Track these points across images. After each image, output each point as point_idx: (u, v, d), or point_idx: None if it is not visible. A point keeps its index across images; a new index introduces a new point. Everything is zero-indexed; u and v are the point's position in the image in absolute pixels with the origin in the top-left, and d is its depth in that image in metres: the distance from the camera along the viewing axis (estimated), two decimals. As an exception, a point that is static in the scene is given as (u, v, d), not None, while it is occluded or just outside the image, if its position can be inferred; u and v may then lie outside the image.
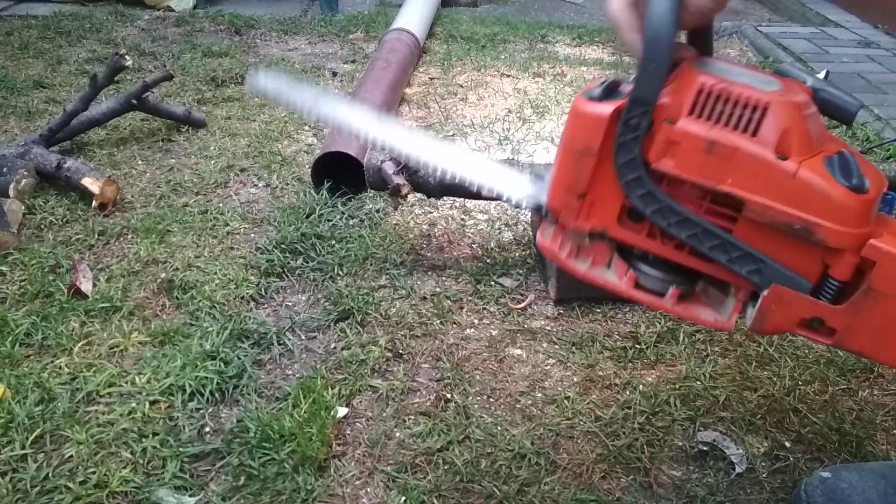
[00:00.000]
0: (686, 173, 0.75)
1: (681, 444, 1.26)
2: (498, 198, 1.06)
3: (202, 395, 1.31)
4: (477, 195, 1.71)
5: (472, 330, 1.54)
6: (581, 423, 1.30)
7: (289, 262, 1.71)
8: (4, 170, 1.89)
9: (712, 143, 0.73)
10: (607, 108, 0.76)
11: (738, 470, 1.21)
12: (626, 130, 0.75)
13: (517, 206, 1.03)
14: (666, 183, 0.78)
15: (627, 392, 1.37)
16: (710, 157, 0.73)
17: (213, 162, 2.20)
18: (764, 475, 1.21)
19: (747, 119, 0.73)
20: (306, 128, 2.50)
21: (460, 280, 1.70)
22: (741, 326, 1.54)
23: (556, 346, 1.49)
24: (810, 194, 0.72)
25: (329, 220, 1.88)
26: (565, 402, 1.34)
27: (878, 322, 0.76)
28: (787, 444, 1.27)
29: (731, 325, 0.85)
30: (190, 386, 1.31)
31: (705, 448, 1.25)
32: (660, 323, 1.55)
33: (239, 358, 1.40)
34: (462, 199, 1.96)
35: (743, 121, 0.73)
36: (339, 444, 1.24)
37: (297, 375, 1.39)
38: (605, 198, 0.81)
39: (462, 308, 1.60)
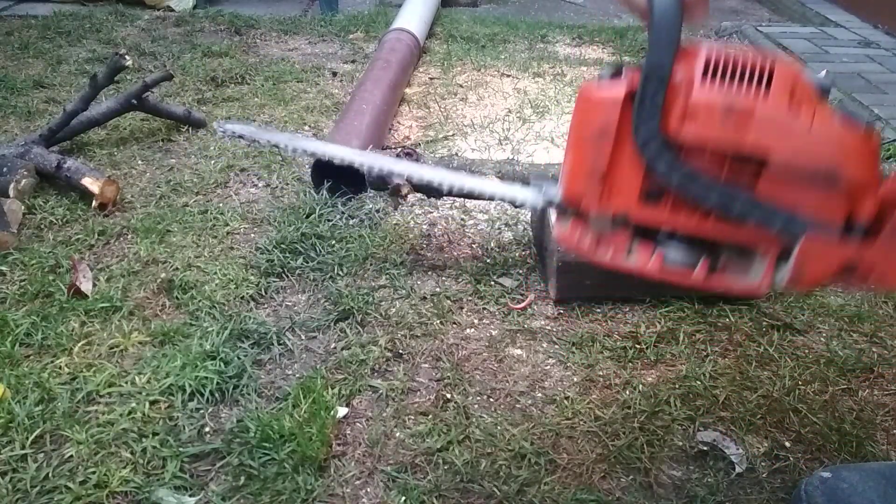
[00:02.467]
0: (708, 138, 0.77)
1: (681, 444, 1.26)
2: (511, 202, 1.10)
3: (202, 395, 1.31)
4: (477, 195, 1.71)
5: (472, 330, 1.54)
6: (581, 423, 1.30)
7: (289, 262, 1.71)
8: (4, 170, 1.89)
9: (729, 107, 0.76)
10: (620, 89, 0.79)
11: (738, 470, 1.21)
12: (644, 102, 0.77)
13: (532, 207, 1.05)
14: (684, 155, 0.80)
15: (627, 392, 1.37)
16: (729, 120, 0.76)
17: (213, 162, 2.20)
18: (764, 475, 1.21)
19: (757, 81, 0.76)
20: (306, 127, 2.50)
21: (460, 280, 1.70)
22: (742, 327, 1.54)
23: (556, 346, 1.49)
24: (829, 142, 0.76)
25: (329, 220, 1.88)
26: (565, 402, 1.34)
27: None
28: (787, 444, 1.27)
29: (766, 288, 0.86)
30: (190, 386, 1.31)
31: (705, 448, 1.25)
32: (660, 323, 1.55)
33: (239, 358, 1.40)
34: (462, 199, 1.96)
35: (754, 83, 0.76)
36: (339, 444, 1.24)
37: (297, 375, 1.39)
38: (624, 181, 0.83)
39: (462, 308, 1.60)
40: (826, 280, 0.83)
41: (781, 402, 1.35)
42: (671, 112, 0.78)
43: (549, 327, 1.55)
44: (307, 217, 1.88)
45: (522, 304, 1.61)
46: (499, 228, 1.92)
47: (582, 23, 4.13)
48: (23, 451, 1.18)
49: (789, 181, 0.78)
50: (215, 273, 1.65)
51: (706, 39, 0.87)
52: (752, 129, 0.76)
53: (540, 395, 1.37)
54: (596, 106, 0.81)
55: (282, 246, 1.75)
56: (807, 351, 1.50)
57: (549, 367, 1.44)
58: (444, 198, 1.87)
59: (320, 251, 1.76)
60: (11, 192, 1.86)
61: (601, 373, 1.42)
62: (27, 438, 1.20)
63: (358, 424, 1.29)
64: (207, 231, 1.83)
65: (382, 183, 1.71)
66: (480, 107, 2.77)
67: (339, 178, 2.00)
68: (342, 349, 1.46)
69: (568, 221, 0.90)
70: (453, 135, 2.50)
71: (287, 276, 1.68)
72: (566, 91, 2.93)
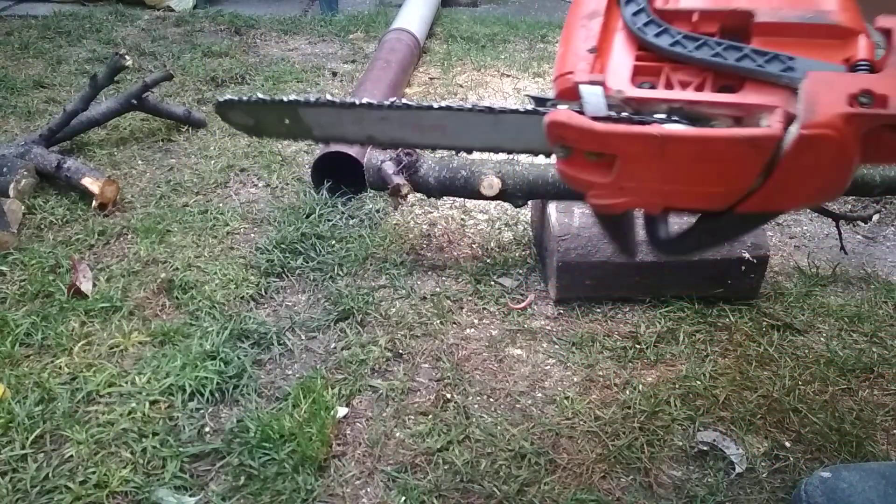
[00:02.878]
0: (693, 8, 0.77)
1: (681, 444, 1.26)
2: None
3: (202, 395, 1.31)
4: (477, 195, 1.71)
5: (472, 330, 1.54)
6: (581, 422, 1.30)
7: (289, 262, 1.71)
8: (4, 170, 1.89)
9: None
10: None
11: (738, 470, 1.21)
12: None
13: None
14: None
15: (627, 392, 1.37)
16: None
17: (213, 162, 2.20)
18: (764, 475, 1.21)
19: None
20: (306, 128, 2.50)
21: (460, 280, 1.70)
22: (742, 327, 1.54)
23: (556, 346, 1.49)
24: None
25: (329, 220, 1.88)
26: (565, 401, 1.34)
27: None
28: (787, 444, 1.27)
29: (781, 131, 0.75)
30: (190, 386, 1.31)
31: (705, 448, 1.25)
32: (660, 323, 1.55)
33: (239, 358, 1.40)
34: (462, 198, 1.96)
35: None
36: (339, 444, 1.24)
37: (297, 375, 1.39)
38: (615, 60, 0.80)
39: (462, 308, 1.60)
40: (841, 112, 0.72)
41: (781, 402, 1.35)
42: None
43: (549, 327, 1.55)
44: (307, 217, 1.88)
45: (522, 304, 1.61)
46: (499, 228, 1.92)
47: (582, 23, 4.13)
48: (23, 451, 1.18)
49: (780, 39, 0.76)
50: (215, 273, 1.65)
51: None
52: None
53: (540, 395, 1.37)
54: None
55: (282, 246, 1.75)
56: (807, 351, 1.50)
57: (549, 367, 1.44)
58: (444, 198, 1.87)
59: (320, 251, 1.76)
60: (11, 192, 1.86)
61: (601, 373, 1.42)
62: (27, 438, 1.20)
63: (358, 424, 1.29)
64: (207, 231, 1.83)
65: (382, 183, 1.71)
66: (480, 107, 2.77)
67: (339, 178, 2.00)
68: (342, 349, 1.46)
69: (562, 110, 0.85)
70: (453, 135, 2.50)
71: (287, 276, 1.68)
72: (566, 91, 2.93)
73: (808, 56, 0.75)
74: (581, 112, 0.78)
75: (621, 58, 0.79)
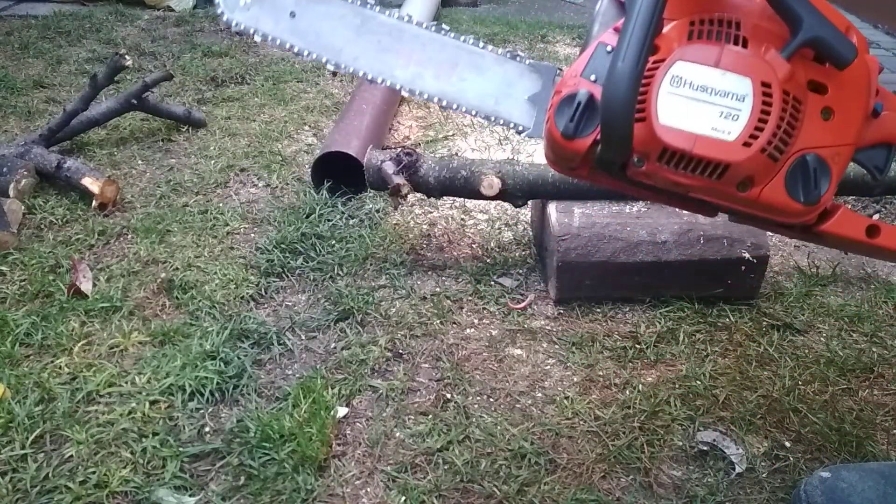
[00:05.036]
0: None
1: (681, 444, 1.26)
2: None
3: (202, 395, 1.31)
4: (477, 195, 1.71)
5: (472, 330, 1.54)
6: (581, 422, 1.30)
7: (289, 262, 1.71)
8: (4, 170, 1.89)
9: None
10: (582, 145, 0.84)
11: (738, 470, 1.21)
12: (602, 165, 0.86)
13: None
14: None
15: (627, 392, 1.37)
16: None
17: (213, 162, 2.20)
18: (764, 475, 1.21)
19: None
20: (306, 127, 2.50)
21: (460, 280, 1.70)
22: (742, 327, 1.54)
23: (556, 346, 1.49)
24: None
25: (329, 220, 1.88)
26: (565, 401, 1.34)
27: None
28: (787, 444, 1.27)
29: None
30: (190, 386, 1.31)
31: (705, 448, 1.25)
32: (660, 323, 1.55)
33: (239, 358, 1.40)
34: (462, 198, 1.96)
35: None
36: (339, 444, 1.24)
37: (297, 375, 1.39)
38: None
39: (462, 308, 1.60)
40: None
41: (781, 402, 1.36)
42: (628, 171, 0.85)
43: (549, 327, 1.55)
44: (307, 217, 1.88)
45: (522, 304, 1.61)
46: (499, 228, 1.92)
47: (582, 23, 4.13)
48: (23, 451, 1.18)
49: None
50: (215, 273, 1.65)
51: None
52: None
53: (540, 395, 1.37)
54: (562, 149, 0.87)
55: (282, 246, 1.76)
56: (807, 351, 1.50)
57: (549, 367, 1.44)
58: (444, 198, 1.87)
59: (320, 251, 1.76)
60: (11, 192, 1.86)
61: (601, 373, 1.42)
62: (27, 438, 1.20)
63: (358, 424, 1.29)
64: (207, 231, 1.83)
65: (382, 183, 1.71)
66: (480, 107, 2.76)
67: (339, 178, 2.00)
68: (342, 349, 1.46)
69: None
70: (453, 135, 2.50)
71: (287, 276, 1.68)
72: (566, 91, 2.92)
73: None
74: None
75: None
